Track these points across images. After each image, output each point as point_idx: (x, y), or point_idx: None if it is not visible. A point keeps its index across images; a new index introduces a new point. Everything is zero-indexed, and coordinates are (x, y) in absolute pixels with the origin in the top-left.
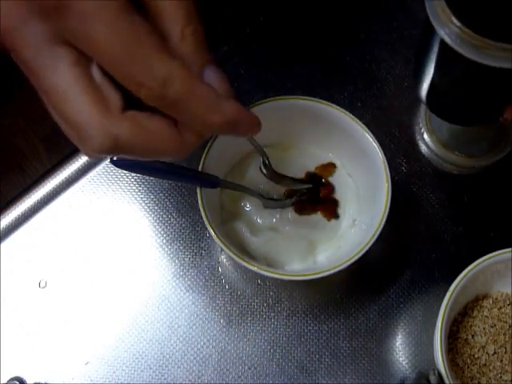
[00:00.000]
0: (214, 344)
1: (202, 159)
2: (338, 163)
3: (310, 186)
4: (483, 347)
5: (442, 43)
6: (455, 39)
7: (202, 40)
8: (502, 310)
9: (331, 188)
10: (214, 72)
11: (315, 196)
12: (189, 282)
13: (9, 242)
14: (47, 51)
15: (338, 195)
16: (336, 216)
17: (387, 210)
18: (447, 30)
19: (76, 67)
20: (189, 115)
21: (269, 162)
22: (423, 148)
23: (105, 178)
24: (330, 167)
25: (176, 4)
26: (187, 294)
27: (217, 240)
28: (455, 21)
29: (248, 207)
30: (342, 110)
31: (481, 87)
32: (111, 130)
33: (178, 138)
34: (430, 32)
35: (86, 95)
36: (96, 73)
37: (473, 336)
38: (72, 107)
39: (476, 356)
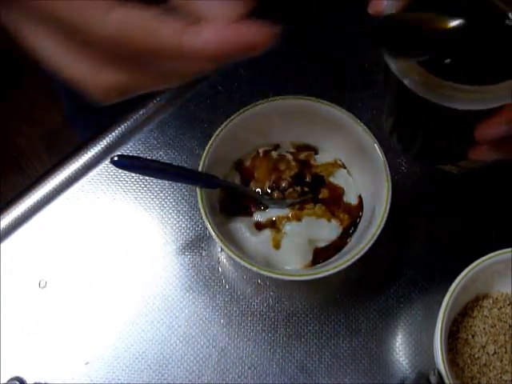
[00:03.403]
0: (214, 344)
1: (202, 159)
2: (338, 163)
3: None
4: (483, 347)
5: (400, 82)
6: (411, 79)
7: None
8: (502, 309)
9: (332, 188)
10: None
11: (315, 196)
12: (189, 282)
13: (9, 241)
14: None
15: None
16: (336, 216)
17: (387, 210)
18: (403, 69)
19: (56, 38)
20: (157, 62)
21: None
22: None
23: (105, 178)
24: (331, 167)
25: None
26: (187, 294)
27: (217, 240)
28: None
29: (248, 207)
30: (342, 109)
31: (440, 128)
32: (100, 80)
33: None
34: (389, 70)
35: (72, 57)
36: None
37: (473, 336)
38: (68, 71)
39: (476, 356)
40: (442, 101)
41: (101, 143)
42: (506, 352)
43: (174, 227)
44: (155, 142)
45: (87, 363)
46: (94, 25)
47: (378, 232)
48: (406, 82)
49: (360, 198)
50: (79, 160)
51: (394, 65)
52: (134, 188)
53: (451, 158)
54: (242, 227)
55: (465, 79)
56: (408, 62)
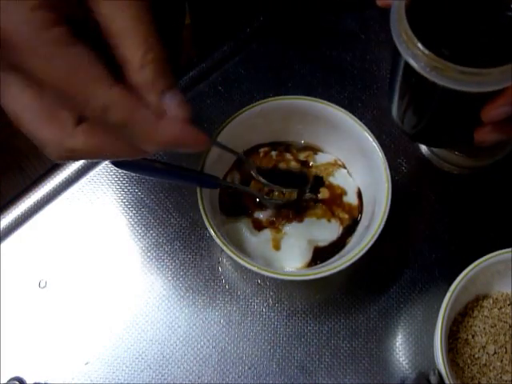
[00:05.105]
0: (214, 344)
1: (202, 159)
2: (338, 163)
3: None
4: (483, 347)
5: (407, 65)
6: (418, 62)
7: (161, 66)
8: (503, 310)
9: (332, 188)
10: (173, 97)
11: (315, 196)
12: (189, 282)
13: (9, 242)
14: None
15: (338, 195)
16: (336, 216)
17: (387, 210)
18: (411, 52)
19: (27, 91)
20: (132, 136)
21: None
22: (423, 148)
23: (105, 178)
24: (331, 167)
25: (134, 30)
26: (187, 294)
27: (217, 240)
28: (418, 44)
29: (248, 207)
30: (342, 109)
31: (447, 110)
32: (66, 143)
33: (127, 147)
34: (397, 54)
35: (41, 115)
36: (47, 94)
37: (473, 336)
38: (31, 126)
39: (476, 356)
40: (450, 83)
41: None
42: (506, 352)
43: (174, 227)
44: None
45: (87, 363)
46: (97, 96)
47: (378, 232)
48: (416, 66)
49: (360, 197)
50: (79, 160)
51: (403, 50)
52: (134, 188)
53: (457, 140)
54: (241, 227)
55: (470, 62)
56: (416, 47)
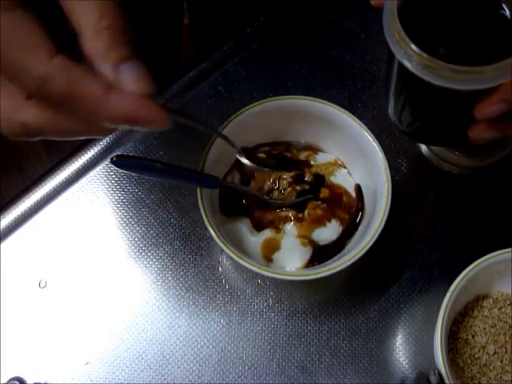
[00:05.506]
0: (214, 344)
1: (202, 159)
2: (338, 163)
3: (299, 172)
4: (483, 347)
5: (401, 65)
6: (411, 61)
7: (117, 34)
8: (503, 310)
9: (332, 188)
10: (131, 67)
11: (316, 196)
12: (189, 282)
13: (9, 242)
14: None
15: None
16: (336, 216)
17: (387, 210)
18: (403, 52)
19: None
20: (78, 111)
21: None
22: (423, 148)
23: (105, 178)
24: (331, 167)
25: None
26: (187, 294)
27: (217, 240)
28: (410, 43)
29: (248, 207)
30: (342, 109)
31: (441, 108)
32: (17, 116)
33: (82, 122)
34: (391, 53)
35: None
36: None
37: (473, 336)
38: None
39: (476, 356)
40: (443, 82)
41: (101, 143)
42: (506, 352)
43: (174, 227)
44: (155, 142)
45: (87, 363)
46: (34, 67)
47: (378, 232)
48: (409, 66)
49: (360, 197)
50: (79, 160)
51: (396, 50)
52: (134, 188)
53: (452, 138)
54: (242, 227)
55: (463, 61)
56: (408, 46)
